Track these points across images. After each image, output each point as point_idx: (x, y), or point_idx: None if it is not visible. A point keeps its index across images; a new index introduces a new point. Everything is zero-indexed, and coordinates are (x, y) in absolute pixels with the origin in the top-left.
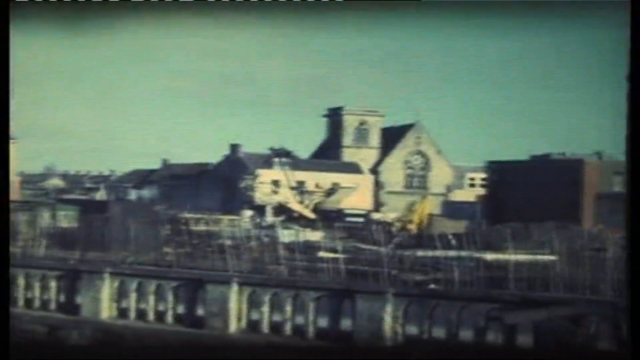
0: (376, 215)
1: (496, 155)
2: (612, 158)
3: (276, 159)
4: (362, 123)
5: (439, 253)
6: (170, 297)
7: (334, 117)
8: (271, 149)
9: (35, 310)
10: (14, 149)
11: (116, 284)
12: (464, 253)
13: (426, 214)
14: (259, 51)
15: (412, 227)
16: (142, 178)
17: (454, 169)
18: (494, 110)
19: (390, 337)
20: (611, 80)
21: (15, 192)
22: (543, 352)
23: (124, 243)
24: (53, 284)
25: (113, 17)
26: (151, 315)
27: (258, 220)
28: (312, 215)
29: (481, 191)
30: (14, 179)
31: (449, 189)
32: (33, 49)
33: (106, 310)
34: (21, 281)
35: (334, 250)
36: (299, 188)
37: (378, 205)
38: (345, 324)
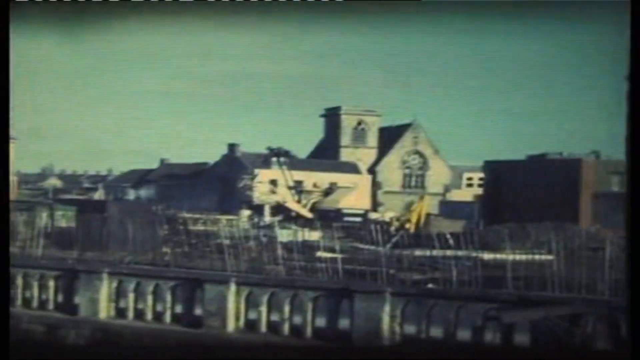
0: (374, 215)
1: (494, 155)
2: (609, 157)
3: (274, 159)
4: (359, 123)
5: (436, 253)
6: (168, 297)
7: (332, 116)
8: (269, 148)
9: (33, 310)
10: (11, 149)
11: (114, 283)
12: (461, 253)
13: (424, 214)
14: (258, 51)
15: (410, 227)
16: (140, 178)
17: (451, 169)
18: (492, 110)
19: (388, 336)
20: (611, 80)
21: (12, 192)
22: (540, 352)
23: (122, 243)
24: (51, 284)
25: (113, 17)
26: (149, 315)
27: (256, 220)
28: (310, 215)
29: (479, 191)
30: (11, 178)
31: (447, 188)
32: (33, 49)
33: (104, 310)
34: (19, 281)
35: (332, 250)
36: (297, 188)
37: (376, 205)
38: (343, 323)
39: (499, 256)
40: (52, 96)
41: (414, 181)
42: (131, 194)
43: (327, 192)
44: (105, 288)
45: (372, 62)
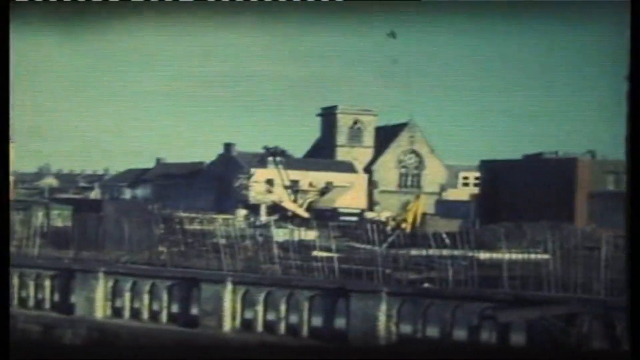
0: (370, 214)
1: (495, 156)
2: (605, 157)
3: (270, 158)
4: (356, 122)
5: (432, 252)
6: (164, 296)
7: (328, 116)
8: (265, 148)
9: (29, 310)
10: (11, 149)
11: (110, 283)
12: (457, 252)
13: (420, 213)
14: (257, 51)
15: (406, 226)
16: (136, 177)
17: (447, 168)
18: (492, 111)
19: (384, 336)
20: (611, 80)
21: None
22: (536, 351)
23: (118, 242)
24: (47, 283)
25: (113, 17)
26: (145, 315)
27: (252, 219)
28: (306, 215)
29: (475, 190)
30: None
31: (443, 188)
32: (33, 49)
33: (100, 310)
34: (15, 280)
35: (328, 249)
36: (293, 187)
37: (372, 205)
38: (340, 323)
39: (495, 255)
40: (52, 96)
41: (410, 180)
42: (127, 193)
43: (323, 191)
44: (101, 287)
45: (371, 62)
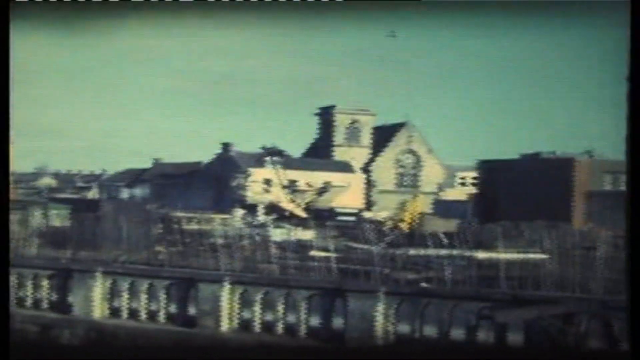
0: (368, 214)
1: (489, 155)
2: (603, 157)
3: (268, 158)
4: (353, 122)
5: (430, 252)
6: (162, 296)
7: (326, 115)
8: (263, 147)
9: (27, 310)
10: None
11: (108, 283)
12: (455, 252)
13: (417, 213)
14: (257, 51)
15: (404, 226)
16: (134, 177)
17: (445, 168)
18: (489, 110)
19: (382, 335)
20: (611, 80)
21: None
22: (534, 351)
23: (116, 242)
24: (45, 283)
25: (112, 17)
26: (143, 314)
27: (250, 219)
28: (303, 214)
29: (472, 190)
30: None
31: (440, 187)
32: (33, 48)
33: (98, 309)
34: (13, 280)
35: (326, 249)
36: (291, 187)
37: (369, 204)
38: (337, 322)
39: (492, 255)
40: (52, 96)
41: (408, 180)
42: (125, 193)
43: (321, 191)
44: (99, 287)
45: (371, 61)
